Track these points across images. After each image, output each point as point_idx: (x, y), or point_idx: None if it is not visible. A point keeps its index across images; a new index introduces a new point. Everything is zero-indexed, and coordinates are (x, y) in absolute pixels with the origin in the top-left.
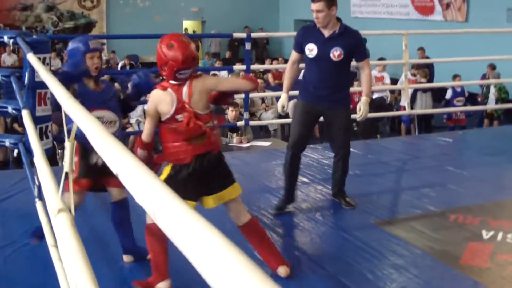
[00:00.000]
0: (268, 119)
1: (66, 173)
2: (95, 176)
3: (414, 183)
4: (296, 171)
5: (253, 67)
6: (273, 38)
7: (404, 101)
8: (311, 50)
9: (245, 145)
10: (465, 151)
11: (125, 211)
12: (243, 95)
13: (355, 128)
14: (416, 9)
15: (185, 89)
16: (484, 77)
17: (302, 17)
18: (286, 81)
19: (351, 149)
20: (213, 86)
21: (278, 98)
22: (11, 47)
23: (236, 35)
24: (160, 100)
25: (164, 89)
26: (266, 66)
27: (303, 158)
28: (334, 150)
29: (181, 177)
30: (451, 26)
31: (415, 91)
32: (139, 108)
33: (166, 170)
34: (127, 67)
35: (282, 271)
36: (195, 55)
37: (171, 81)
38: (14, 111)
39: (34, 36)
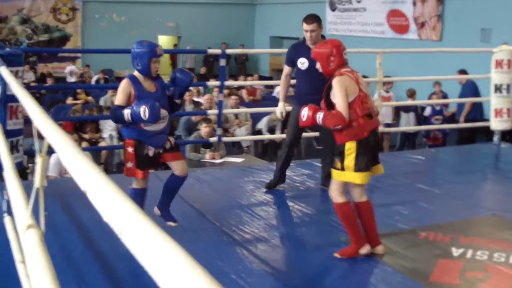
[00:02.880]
0: (241, 135)
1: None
2: (155, 163)
3: (385, 200)
4: (290, 160)
5: (227, 83)
6: (250, 55)
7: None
8: (302, 63)
9: (218, 161)
10: (437, 169)
11: (179, 185)
12: (216, 111)
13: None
14: (391, 28)
15: (355, 74)
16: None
17: (277, 34)
18: (282, 92)
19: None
20: None
21: (252, 114)
22: None
23: (211, 51)
24: (348, 83)
25: (346, 74)
26: (240, 82)
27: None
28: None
29: (366, 150)
30: (425, 45)
31: (398, 109)
32: (112, 123)
33: (352, 148)
34: (102, 81)
35: (380, 249)
36: None
37: (343, 69)
38: None
39: (7, 49)
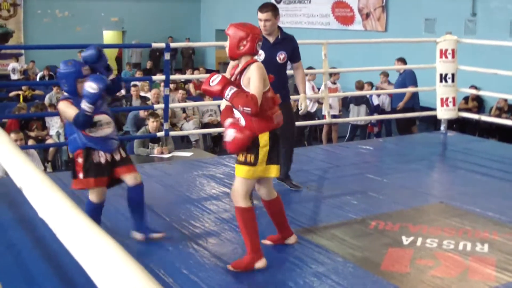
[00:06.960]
0: (189, 129)
1: None
2: (107, 172)
3: (335, 191)
4: None
5: (173, 77)
6: (197, 49)
7: (325, 110)
8: (259, 55)
9: (166, 155)
10: (385, 158)
11: (139, 195)
12: (163, 105)
13: None
14: (337, 19)
15: None
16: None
17: (223, 27)
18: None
19: None
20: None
21: (199, 108)
22: None
23: (155, 45)
24: (265, 73)
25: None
26: (186, 76)
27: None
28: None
29: (275, 142)
30: (371, 36)
31: (349, 102)
32: (59, 120)
33: (267, 140)
34: (46, 78)
35: (293, 239)
36: None
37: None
38: None
39: None
